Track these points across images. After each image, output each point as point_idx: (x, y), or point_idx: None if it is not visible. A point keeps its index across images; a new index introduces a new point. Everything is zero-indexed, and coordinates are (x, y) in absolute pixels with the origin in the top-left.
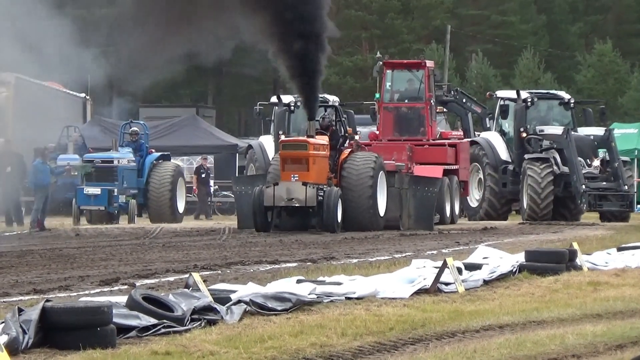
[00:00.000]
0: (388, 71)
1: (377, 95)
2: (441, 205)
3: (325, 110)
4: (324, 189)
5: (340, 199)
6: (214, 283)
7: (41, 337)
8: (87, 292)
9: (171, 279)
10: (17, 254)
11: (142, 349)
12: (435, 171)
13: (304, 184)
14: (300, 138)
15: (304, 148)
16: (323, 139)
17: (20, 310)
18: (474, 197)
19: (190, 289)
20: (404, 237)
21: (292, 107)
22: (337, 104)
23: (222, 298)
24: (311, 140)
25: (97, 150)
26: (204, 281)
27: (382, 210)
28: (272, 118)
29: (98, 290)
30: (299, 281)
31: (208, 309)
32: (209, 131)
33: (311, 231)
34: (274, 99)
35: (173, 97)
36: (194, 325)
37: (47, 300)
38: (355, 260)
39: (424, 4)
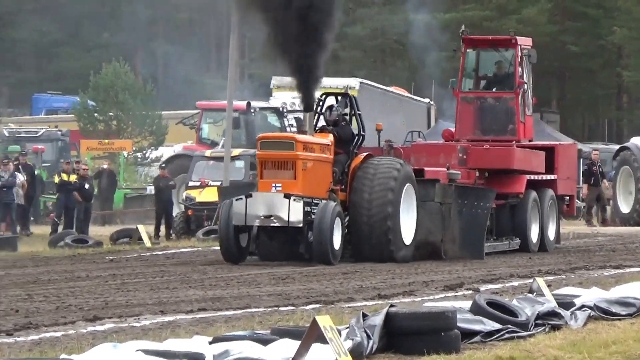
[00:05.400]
0: (469, 50)
1: (454, 80)
2: (523, 227)
3: (337, 100)
4: (317, 203)
5: (339, 218)
6: (558, 288)
7: (385, 342)
8: (431, 297)
9: (515, 283)
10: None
11: (486, 354)
12: (515, 183)
13: (286, 196)
14: (285, 134)
15: (289, 147)
16: (323, 137)
17: (364, 316)
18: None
19: (534, 293)
20: None
21: None
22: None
23: (565, 303)
24: (300, 137)
25: None
26: (548, 286)
27: (407, 237)
28: None
29: (442, 295)
30: None
31: (552, 314)
32: (553, 136)
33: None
34: None
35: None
36: (538, 330)
37: (392, 306)
38: None
39: None
